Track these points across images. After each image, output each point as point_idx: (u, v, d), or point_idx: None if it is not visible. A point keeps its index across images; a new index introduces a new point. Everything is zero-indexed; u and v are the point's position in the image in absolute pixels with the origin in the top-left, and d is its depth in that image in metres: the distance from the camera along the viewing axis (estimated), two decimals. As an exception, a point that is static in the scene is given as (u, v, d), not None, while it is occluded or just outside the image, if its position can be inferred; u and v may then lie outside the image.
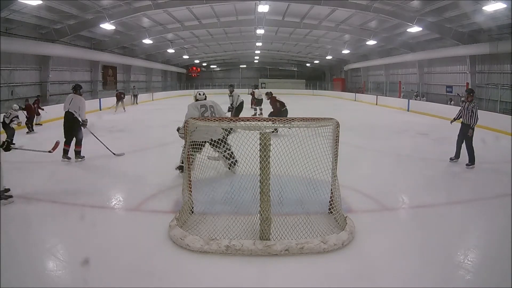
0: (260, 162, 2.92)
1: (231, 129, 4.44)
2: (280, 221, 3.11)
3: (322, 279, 2.54)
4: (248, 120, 3.43)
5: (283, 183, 3.43)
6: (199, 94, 5.12)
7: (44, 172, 5.37)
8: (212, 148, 4.66)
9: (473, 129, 5.44)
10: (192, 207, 3.54)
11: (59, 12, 11.88)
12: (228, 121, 3.50)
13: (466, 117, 5.57)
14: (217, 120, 3.67)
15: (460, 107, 5.81)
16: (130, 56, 20.92)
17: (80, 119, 5.89)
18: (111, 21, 13.10)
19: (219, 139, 4.65)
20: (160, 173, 5.19)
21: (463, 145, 5.62)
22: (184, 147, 3.97)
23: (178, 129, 5.10)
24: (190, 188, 3.49)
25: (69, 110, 5.86)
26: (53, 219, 3.58)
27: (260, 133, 2.96)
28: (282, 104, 8.55)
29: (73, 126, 5.87)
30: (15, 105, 8.48)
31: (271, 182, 2.94)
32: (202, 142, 4.30)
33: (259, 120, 3.32)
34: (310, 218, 3.25)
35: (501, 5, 9.69)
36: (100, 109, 15.36)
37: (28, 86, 13.25)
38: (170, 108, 16.22)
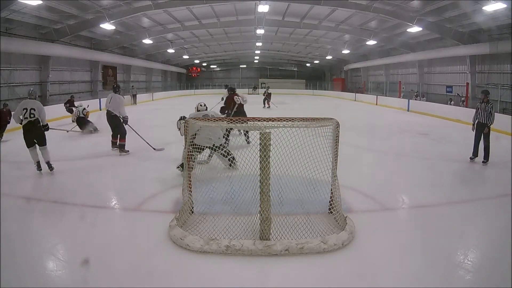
0: (260, 162, 2.92)
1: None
2: (280, 221, 3.11)
3: (322, 279, 2.54)
4: (248, 120, 3.43)
5: (283, 183, 3.42)
6: (201, 105, 5.35)
7: (44, 172, 5.37)
8: (210, 151, 4.80)
9: (489, 128, 5.71)
10: (192, 207, 3.54)
11: (59, 12, 11.87)
12: (228, 121, 3.50)
13: (483, 117, 5.78)
14: (216, 120, 3.67)
15: (476, 109, 6.01)
16: (130, 56, 20.91)
17: (120, 116, 6.46)
18: (111, 21, 13.09)
19: (220, 145, 4.82)
20: (160, 173, 5.19)
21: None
22: (185, 146, 4.03)
23: (182, 118, 5.47)
24: (190, 188, 3.49)
25: (109, 109, 6.48)
26: (53, 219, 3.58)
27: (260, 133, 2.96)
28: (236, 106, 7.49)
29: (114, 123, 6.49)
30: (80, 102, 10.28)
31: (271, 182, 2.94)
32: (204, 146, 4.43)
33: (259, 120, 3.32)
34: (310, 218, 3.25)
35: (501, 5, 9.68)
36: (100, 109, 15.34)
37: (28, 86, 13.22)
38: (170, 108, 16.21)
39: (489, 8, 10.05)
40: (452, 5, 11.52)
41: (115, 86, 6.84)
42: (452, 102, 15.24)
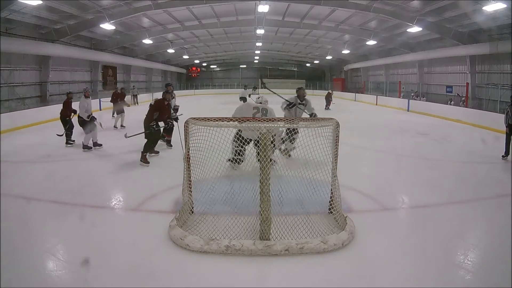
0: (260, 162, 2.92)
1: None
2: (280, 221, 3.11)
3: (322, 279, 2.54)
4: (248, 120, 3.43)
5: (283, 183, 3.42)
6: (258, 98, 5.37)
7: (44, 172, 5.37)
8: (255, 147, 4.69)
9: None
10: (192, 207, 3.55)
11: (59, 12, 11.86)
12: (228, 120, 3.49)
13: (511, 118, 6.14)
14: (217, 120, 3.66)
15: (505, 112, 6.35)
16: (130, 56, 20.89)
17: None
18: (111, 21, 13.07)
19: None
20: (160, 173, 5.19)
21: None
22: (235, 140, 4.10)
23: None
24: (190, 188, 3.49)
25: None
26: (53, 219, 3.58)
27: (260, 133, 2.97)
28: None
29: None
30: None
31: (271, 182, 2.94)
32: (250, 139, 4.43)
33: (259, 120, 3.32)
34: (310, 218, 3.25)
35: (501, 5, 9.68)
36: (100, 109, 15.34)
37: (28, 86, 13.24)
38: (170, 108, 16.20)
39: (489, 8, 10.04)
40: (452, 5, 11.51)
41: (166, 83, 7.20)
42: (452, 102, 15.24)
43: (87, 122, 6.71)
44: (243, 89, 15.73)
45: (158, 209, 3.79)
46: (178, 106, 7.14)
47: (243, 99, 14.37)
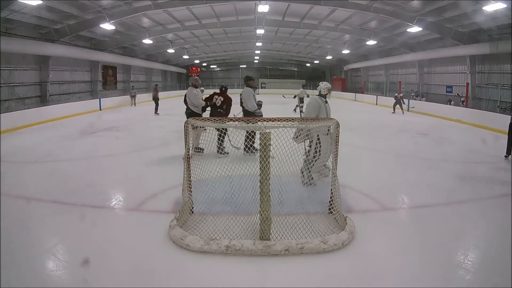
0: (260, 162, 2.92)
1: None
2: (280, 221, 3.11)
3: (322, 279, 2.54)
4: (248, 120, 3.43)
5: (283, 183, 3.42)
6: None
7: (44, 172, 5.37)
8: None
9: None
10: (192, 207, 3.55)
11: (59, 12, 11.87)
12: (228, 121, 3.49)
13: None
14: (217, 121, 3.66)
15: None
16: (130, 56, 20.89)
17: (252, 110, 6.39)
18: (111, 21, 13.08)
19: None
20: (160, 173, 5.19)
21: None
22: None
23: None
24: (190, 188, 3.49)
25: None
26: (53, 219, 3.58)
27: (260, 133, 2.97)
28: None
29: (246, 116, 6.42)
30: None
31: (271, 182, 2.94)
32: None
33: (259, 120, 3.32)
34: (310, 218, 3.25)
35: (501, 5, 9.68)
36: (100, 109, 15.36)
37: (28, 86, 13.24)
38: (170, 108, 16.21)
39: (489, 8, 10.05)
40: (452, 5, 11.52)
41: (245, 78, 6.70)
42: (452, 103, 15.24)
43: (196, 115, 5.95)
44: (301, 89, 14.68)
45: (158, 209, 3.79)
46: (262, 101, 6.82)
47: (301, 99, 13.43)
